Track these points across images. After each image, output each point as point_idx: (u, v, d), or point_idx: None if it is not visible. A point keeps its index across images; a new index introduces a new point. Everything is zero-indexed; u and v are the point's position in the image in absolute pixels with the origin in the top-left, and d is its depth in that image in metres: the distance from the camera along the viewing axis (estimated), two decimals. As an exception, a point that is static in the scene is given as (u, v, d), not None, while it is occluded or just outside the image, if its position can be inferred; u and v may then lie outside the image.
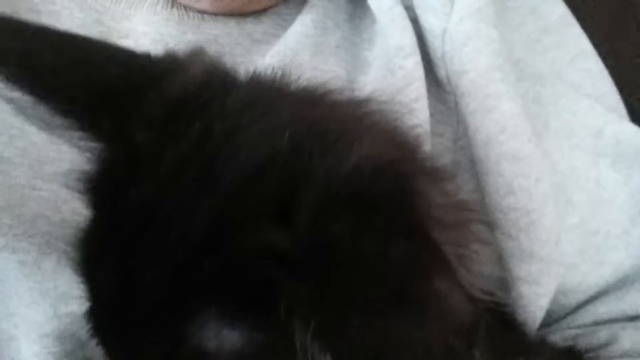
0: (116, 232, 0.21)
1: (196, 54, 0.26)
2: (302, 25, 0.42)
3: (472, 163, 0.38)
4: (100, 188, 0.23)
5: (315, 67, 0.40)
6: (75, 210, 0.34)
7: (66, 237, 0.34)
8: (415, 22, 0.38)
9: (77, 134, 0.23)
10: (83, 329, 0.33)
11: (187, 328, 0.20)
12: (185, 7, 0.43)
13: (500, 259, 0.37)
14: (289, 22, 0.44)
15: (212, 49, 0.39)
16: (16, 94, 0.23)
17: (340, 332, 0.16)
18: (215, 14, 0.43)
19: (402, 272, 0.16)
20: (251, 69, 0.28)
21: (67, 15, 0.42)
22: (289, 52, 0.40)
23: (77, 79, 0.22)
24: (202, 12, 0.43)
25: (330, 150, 0.21)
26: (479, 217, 0.27)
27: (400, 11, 0.38)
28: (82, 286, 0.25)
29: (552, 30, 0.42)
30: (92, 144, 0.23)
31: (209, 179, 0.21)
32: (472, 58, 0.36)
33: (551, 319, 0.41)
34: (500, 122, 0.36)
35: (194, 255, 0.20)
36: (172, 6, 0.43)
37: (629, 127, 0.40)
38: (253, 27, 0.44)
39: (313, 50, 0.41)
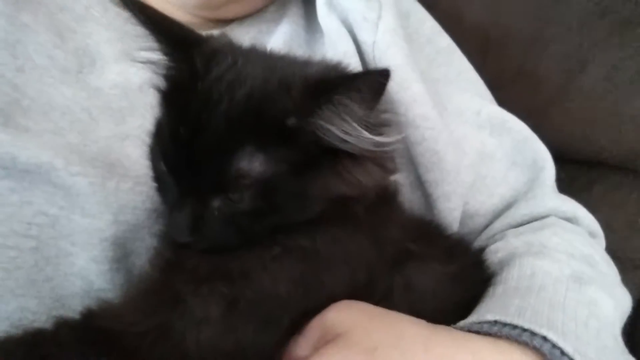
0: (189, 106, 0.35)
1: (223, 34, 0.43)
2: (277, 44, 0.56)
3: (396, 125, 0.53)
4: (175, 87, 0.38)
5: None
6: (118, 159, 0.46)
7: (119, 172, 0.45)
8: (354, 37, 0.55)
9: (158, 58, 0.39)
10: (131, 240, 0.43)
11: (233, 159, 0.34)
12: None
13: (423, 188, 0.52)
14: (264, 40, 0.58)
15: None
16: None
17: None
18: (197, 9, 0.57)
19: None
20: None
21: (106, 25, 0.54)
22: None
23: (168, 30, 0.39)
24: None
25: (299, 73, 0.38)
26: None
27: (344, 31, 0.54)
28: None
29: (442, 53, 0.60)
30: (167, 65, 0.39)
31: (239, 82, 0.36)
32: (392, 58, 0.52)
33: (466, 240, 0.55)
34: (413, 95, 0.51)
35: (238, 116, 0.34)
36: None
37: (496, 108, 0.59)
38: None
39: None
